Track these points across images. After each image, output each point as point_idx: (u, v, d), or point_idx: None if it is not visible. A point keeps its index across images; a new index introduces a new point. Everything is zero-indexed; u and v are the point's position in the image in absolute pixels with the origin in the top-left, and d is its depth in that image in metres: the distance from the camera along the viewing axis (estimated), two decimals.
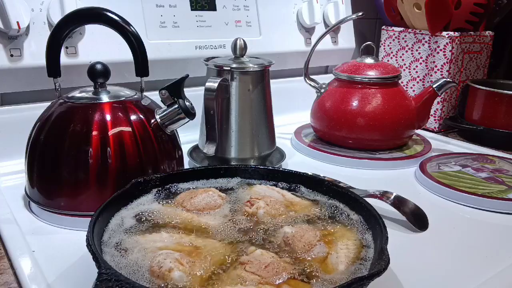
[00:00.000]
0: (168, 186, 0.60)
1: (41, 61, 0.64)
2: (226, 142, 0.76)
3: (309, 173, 0.66)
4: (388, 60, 1.19)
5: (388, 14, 1.19)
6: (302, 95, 1.02)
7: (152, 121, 0.64)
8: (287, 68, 1.13)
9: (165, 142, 0.65)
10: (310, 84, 0.96)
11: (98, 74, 0.64)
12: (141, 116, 0.63)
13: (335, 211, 0.56)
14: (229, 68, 0.74)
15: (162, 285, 0.41)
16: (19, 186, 0.69)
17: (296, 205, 0.58)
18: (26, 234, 0.58)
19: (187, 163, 0.80)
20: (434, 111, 1.10)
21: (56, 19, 0.74)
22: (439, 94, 0.92)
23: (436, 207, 0.71)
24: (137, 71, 0.64)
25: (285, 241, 0.49)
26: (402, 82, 1.14)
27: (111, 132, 0.60)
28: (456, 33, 1.06)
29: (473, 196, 0.71)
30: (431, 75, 1.10)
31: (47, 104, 0.65)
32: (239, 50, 0.77)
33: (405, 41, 1.14)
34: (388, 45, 1.19)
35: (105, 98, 0.63)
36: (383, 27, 1.20)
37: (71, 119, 0.60)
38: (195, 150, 0.86)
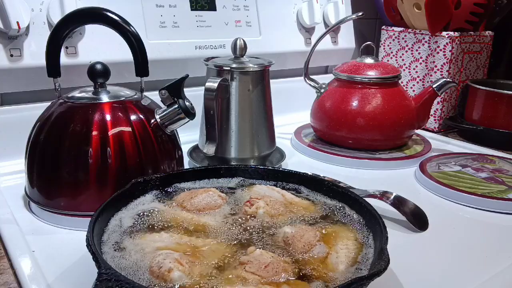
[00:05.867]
0: (168, 186, 0.60)
1: (41, 61, 0.64)
2: (226, 142, 0.76)
3: (309, 173, 0.66)
4: (388, 60, 1.19)
5: (388, 14, 1.19)
6: (302, 95, 1.02)
7: (152, 121, 0.64)
8: (287, 68, 1.13)
9: (165, 142, 0.65)
10: (310, 84, 0.96)
11: (98, 74, 0.64)
12: (141, 116, 0.63)
13: (335, 211, 0.56)
14: (229, 68, 0.74)
15: (162, 285, 0.41)
16: (19, 186, 0.69)
17: (296, 205, 0.58)
18: (26, 234, 0.58)
19: (187, 163, 0.80)
20: (434, 111, 1.10)
21: (56, 19, 0.74)
22: (439, 94, 0.92)
23: (436, 207, 0.71)
24: (137, 71, 0.64)
25: (285, 241, 0.50)
26: (402, 82, 1.13)
27: (111, 132, 0.60)
28: (456, 33, 1.06)
29: (473, 196, 0.71)
30: (431, 75, 1.10)
31: (47, 104, 0.65)
32: (239, 50, 0.77)
33: (405, 41, 1.14)
34: (388, 45, 1.19)
35: (105, 98, 0.63)
36: (383, 27, 1.20)
37: (71, 119, 0.60)
38: (195, 150, 0.86)
